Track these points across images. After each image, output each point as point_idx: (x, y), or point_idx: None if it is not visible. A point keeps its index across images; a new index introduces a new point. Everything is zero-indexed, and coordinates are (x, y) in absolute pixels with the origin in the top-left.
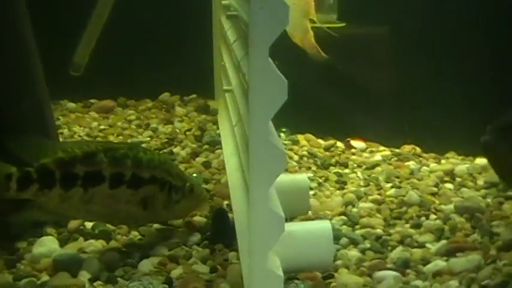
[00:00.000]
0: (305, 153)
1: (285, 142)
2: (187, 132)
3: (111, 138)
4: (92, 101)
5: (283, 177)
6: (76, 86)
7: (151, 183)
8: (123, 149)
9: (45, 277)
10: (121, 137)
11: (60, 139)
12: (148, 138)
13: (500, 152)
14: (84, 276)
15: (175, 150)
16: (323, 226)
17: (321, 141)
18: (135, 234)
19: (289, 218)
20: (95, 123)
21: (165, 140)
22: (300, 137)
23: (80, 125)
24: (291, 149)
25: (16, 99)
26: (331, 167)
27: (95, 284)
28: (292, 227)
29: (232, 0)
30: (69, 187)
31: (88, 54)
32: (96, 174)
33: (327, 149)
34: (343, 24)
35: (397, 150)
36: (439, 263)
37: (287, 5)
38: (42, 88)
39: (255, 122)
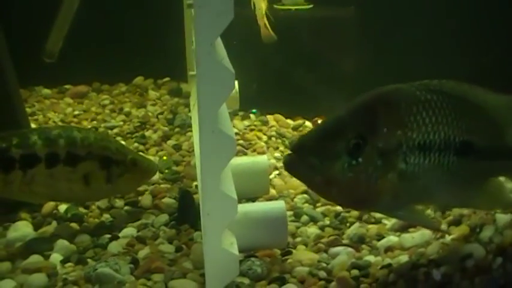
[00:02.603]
0: (273, 133)
1: (255, 123)
2: (160, 116)
3: (85, 123)
4: (67, 86)
5: (244, 159)
6: (51, 72)
7: (88, 160)
8: (56, 129)
9: (19, 260)
10: (95, 122)
11: (34, 126)
12: (122, 123)
13: (300, 172)
14: (55, 258)
15: (147, 133)
16: (277, 207)
17: (290, 121)
18: (106, 217)
19: (251, 199)
20: (69, 109)
21: (138, 124)
22: (269, 117)
23: (54, 111)
24: (260, 130)
25: None
26: None
27: (66, 265)
28: (248, 207)
29: None
30: (8, 171)
31: (61, 40)
32: (31, 156)
33: (295, 128)
34: (311, 6)
35: None
36: (392, 239)
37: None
38: (10, 76)
39: (203, 112)
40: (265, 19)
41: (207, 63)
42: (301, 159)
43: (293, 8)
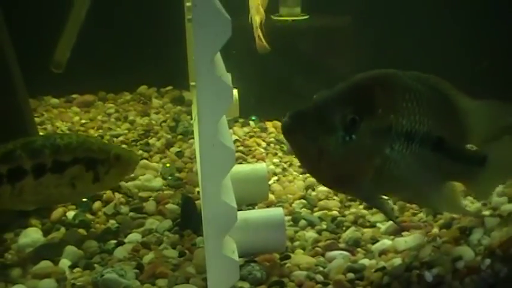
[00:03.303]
0: (272, 139)
1: (254, 130)
2: (163, 124)
3: (92, 132)
4: (74, 96)
5: (244, 167)
6: (59, 81)
7: (74, 164)
8: (40, 140)
9: (30, 266)
10: (100, 131)
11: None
12: (126, 131)
13: (296, 140)
14: (64, 264)
15: (151, 141)
16: (276, 213)
17: None
18: (112, 223)
19: (251, 205)
20: (76, 118)
21: (142, 132)
22: (268, 124)
23: (62, 120)
24: (260, 136)
25: None
26: None
27: (74, 270)
28: (248, 214)
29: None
30: None
31: (69, 51)
32: (18, 170)
33: None
34: (307, 17)
35: None
36: (386, 242)
37: (228, 19)
38: (20, 87)
39: (204, 125)
40: (259, 31)
41: (207, 80)
42: (299, 127)
43: (290, 19)
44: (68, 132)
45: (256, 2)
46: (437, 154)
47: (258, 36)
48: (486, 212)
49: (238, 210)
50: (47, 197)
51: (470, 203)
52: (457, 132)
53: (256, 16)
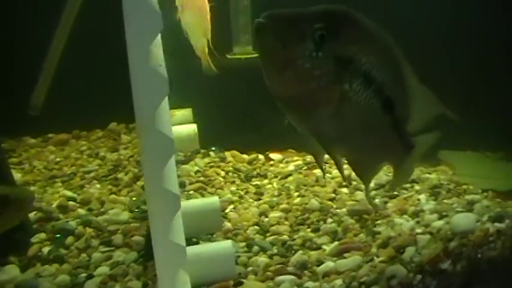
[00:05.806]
0: (231, 168)
1: (214, 160)
2: (130, 158)
3: (66, 169)
4: (50, 135)
5: (197, 202)
6: (36, 123)
7: None
8: None
9: None
10: (74, 168)
11: (20, 175)
12: (97, 167)
13: (266, 42)
14: None
15: (119, 176)
16: (225, 246)
17: (245, 156)
18: (83, 256)
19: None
20: (52, 156)
21: (111, 167)
22: (227, 153)
23: (39, 159)
24: (219, 166)
25: None
26: (253, 179)
27: None
28: (199, 249)
29: None
30: None
31: (43, 95)
32: None
33: (249, 162)
34: (257, 55)
35: (308, 159)
36: (329, 264)
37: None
38: None
39: (149, 173)
40: (206, 55)
41: (147, 133)
42: (272, 28)
43: (243, 57)
44: (43, 170)
45: (200, 32)
46: (385, 116)
47: (206, 59)
48: (419, 230)
49: (196, 242)
50: None
51: (405, 221)
52: (403, 106)
53: (203, 38)
